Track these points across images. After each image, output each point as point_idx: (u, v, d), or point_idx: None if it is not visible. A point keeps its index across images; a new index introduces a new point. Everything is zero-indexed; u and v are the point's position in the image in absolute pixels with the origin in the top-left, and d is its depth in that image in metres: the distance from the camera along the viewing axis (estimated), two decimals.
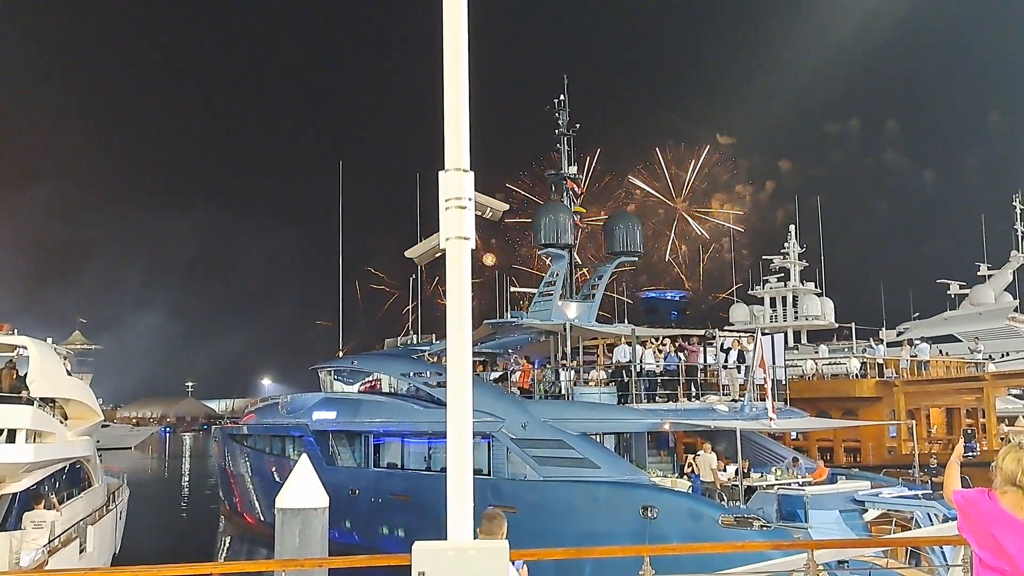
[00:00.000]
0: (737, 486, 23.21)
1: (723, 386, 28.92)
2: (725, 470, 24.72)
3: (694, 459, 25.42)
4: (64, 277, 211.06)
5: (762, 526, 20.89)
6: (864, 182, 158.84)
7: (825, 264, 62.94)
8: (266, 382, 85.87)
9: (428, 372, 31.20)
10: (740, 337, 31.01)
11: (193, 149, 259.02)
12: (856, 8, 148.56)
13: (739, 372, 29.03)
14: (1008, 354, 48.74)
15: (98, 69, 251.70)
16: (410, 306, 46.41)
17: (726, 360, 29.67)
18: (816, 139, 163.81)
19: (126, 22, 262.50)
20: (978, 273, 60.66)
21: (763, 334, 28.32)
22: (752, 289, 63.86)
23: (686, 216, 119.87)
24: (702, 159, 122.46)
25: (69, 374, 28.47)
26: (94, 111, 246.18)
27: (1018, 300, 57.52)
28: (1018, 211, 59.19)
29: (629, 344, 27.47)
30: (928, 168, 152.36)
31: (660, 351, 28.35)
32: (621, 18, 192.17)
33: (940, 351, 45.55)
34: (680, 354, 28.81)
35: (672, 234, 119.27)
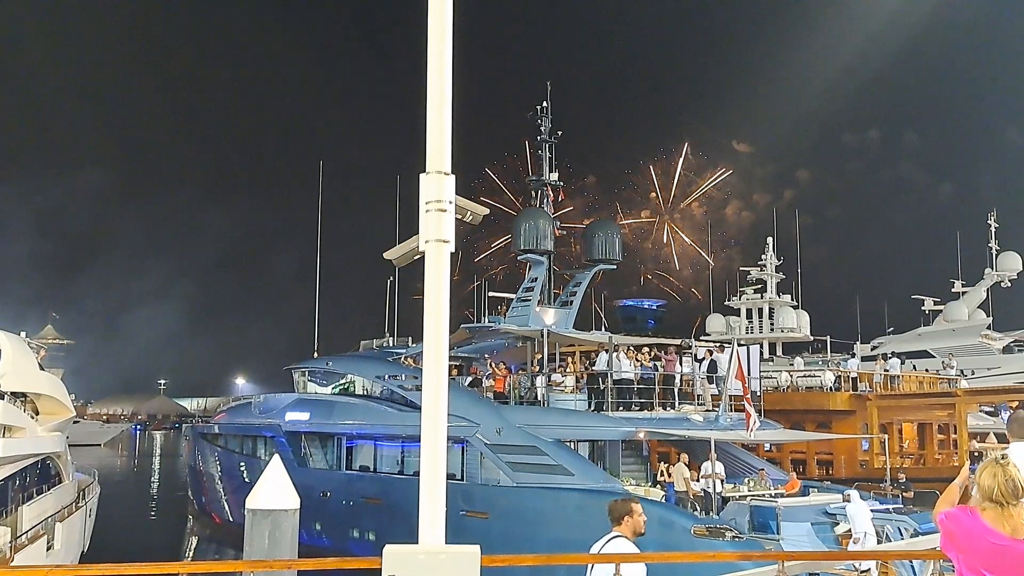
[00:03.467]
0: (710, 495, 23.30)
1: (697, 396, 29.01)
2: (698, 480, 24.79)
3: (667, 468, 25.47)
4: (78, 265, 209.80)
5: (734, 536, 20.96)
6: (877, 194, 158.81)
7: (802, 276, 63.32)
8: (240, 381, 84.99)
9: (403, 375, 31.06)
10: (713, 347, 31.14)
11: (227, 145, 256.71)
12: (874, 17, 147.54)
13: (710, 383, 29.13)
14: (974, 372, 49.04)
15: (147, 64, 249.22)
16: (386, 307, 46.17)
17: (701, 370, 29.77)
18: (833, 150, 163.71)
19: (170, 17, 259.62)
20: (952, 290, 61.14)
21: (739, 345, 28.42)
22: (729, 300, 64.11)
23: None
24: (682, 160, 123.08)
25: (42, 368, 28.19)
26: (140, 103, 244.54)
27: (991, 318, 58.03)
28: (992, 229, 59.72)
29: (606, 351, 27.51)
30: (945, 182, 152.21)
31: (638, 361, 28.39)
32: (633, 25, 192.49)
33: (914, 366, 45.88)
34: (656, 363, 28.89)
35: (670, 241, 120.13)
